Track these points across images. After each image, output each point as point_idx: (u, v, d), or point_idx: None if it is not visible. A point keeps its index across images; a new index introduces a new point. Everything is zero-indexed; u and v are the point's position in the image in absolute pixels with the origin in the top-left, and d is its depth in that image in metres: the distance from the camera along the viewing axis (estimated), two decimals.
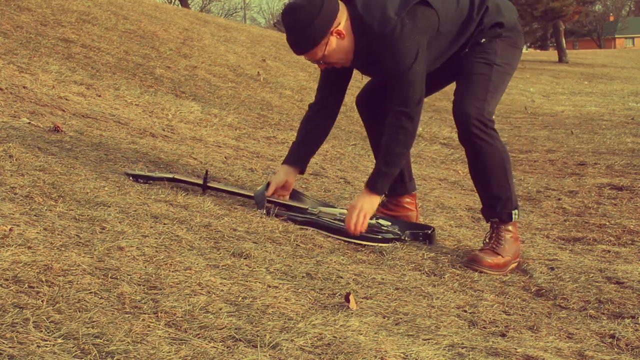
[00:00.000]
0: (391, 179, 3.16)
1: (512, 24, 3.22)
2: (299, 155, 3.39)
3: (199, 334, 1.90)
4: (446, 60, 3.24)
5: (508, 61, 3.23)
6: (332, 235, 3.15)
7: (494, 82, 3.15)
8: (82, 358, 1.65)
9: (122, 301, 2.00)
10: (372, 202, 3.13)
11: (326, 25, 3.01)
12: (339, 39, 3.06)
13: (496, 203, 3.18)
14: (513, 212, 3.18)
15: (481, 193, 3.24)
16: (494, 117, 3.21)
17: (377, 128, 3.50)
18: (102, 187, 3.06)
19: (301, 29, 3.00)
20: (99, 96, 5.42)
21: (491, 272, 3.04)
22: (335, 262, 2.82)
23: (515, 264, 3.18)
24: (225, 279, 2.35)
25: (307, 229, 3.14)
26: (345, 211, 3.30)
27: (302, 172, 3.42)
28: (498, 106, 3.25)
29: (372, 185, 3.13)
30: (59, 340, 1.69)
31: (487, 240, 3.18)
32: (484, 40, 3.17)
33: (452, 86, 3.35)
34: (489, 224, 3.26)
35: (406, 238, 3.29)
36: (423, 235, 3.34)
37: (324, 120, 3.41)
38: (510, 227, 3.19)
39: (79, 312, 1.86)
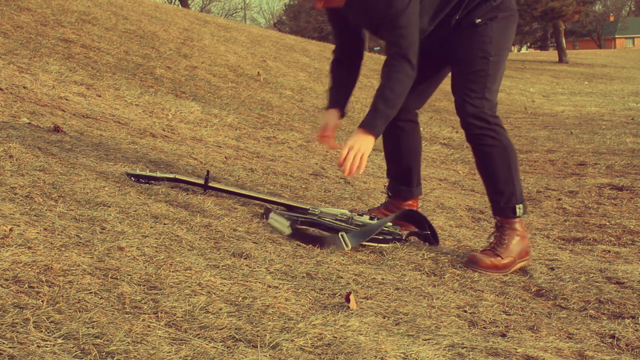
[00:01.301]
0: (389, 120, 3.09)
1: None
2: (337, 99, 3.40)
3: (199, 334, 1.90)
4: (438, 30, 3.21)
5: (504, 46, 3.20)
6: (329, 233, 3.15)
7: (492, 76, 3.14)
8: (82, 358, 1.65)
9: (122, 301, 2.00)
10: (368, 142, 3.02)
11: None
12: None
13: (499, 198, 3.16)
14: (517, 206, 3.15)
15: (487, 190, 3.23)
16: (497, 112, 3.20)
17: (393, 131, 3.45)
18: (102, 187, 3.06)
19: None
20: (99, 96, 5.42)
21: (489, 272, 3.03)
22: (335, 262, 2.82)
23: (524, 262, 3.14)
24: (225, 279, 2.35)
25: (307, 229, 3.14)
26: (345, 211, 3.30)
27: (342, 114, 3.38)
28: (498, 106, 3.24)
29: (370, 125, 3.04)
30: (59, 340, 1.69)
31: (491, 240, 3.17)
32: (479, 20, 3.13)
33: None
34: (493, 224, 3.25)
35: (407, 238, 3.29)
36: (424, 235, 3.34)
37: (349, 68, 3.43)
38: (516, 226, 3.15)
39: (79, 312, 1.86)
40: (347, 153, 2.99)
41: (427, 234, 3.34)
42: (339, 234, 3.04)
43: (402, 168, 3.53)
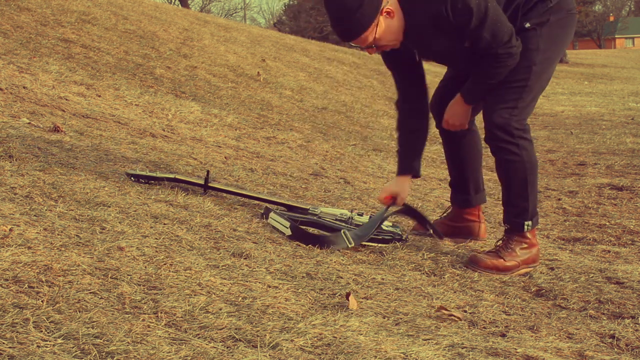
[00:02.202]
0: (485, 92, 3.08)
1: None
2: (408, 163, 3.26)
3: (199, 334, 1.90)
4: None
5: (552, 54, 3.07)
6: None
7: (530, 87, 3.03)
8: (82, 358, 1.65)
9: (122, 301, 2.00)
10: (468, 111, 3.19)
11: (375, 6, 2.86)
12: (388, 19, 2.91)
13: (511, 210, 3.13)
14: (526, 223, 3.09)
15: (502, 197, 3.19)
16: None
17: (448, 139, 3.42)
18: (102, 187, 3.06)
19: (350, 15, 2.83)
20: (99, 96, 5.42)
21: (488, 273, 3.01)
22: (335, 262, 2.82)
23: (529, 269, 3.10)
24: (225, 279, 2.35)
25: (308, 229, 3.14)
26: (345, 211, 3.30)
27: (416, 176, 3.26)
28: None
29: (468, 97, 3.15)
30: (59, 340, 1.69)
31: (499, 243, 3.15)
32: (528, 25, 2.99)
33: None
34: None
35: (406, 238, 3.29)
36: (428, 228, 3.34)
37: (418, 118, 3.29)
38: (527, 234, 3.11)
39: (79, 312, 1.86)
40: (451, 111, 3.24)
41: (433, 227, 3.33)
42: (342, 231, 3.04)
43: (457, 175, 3.46)
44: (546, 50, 3.04)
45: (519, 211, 3.11)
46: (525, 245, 3.10)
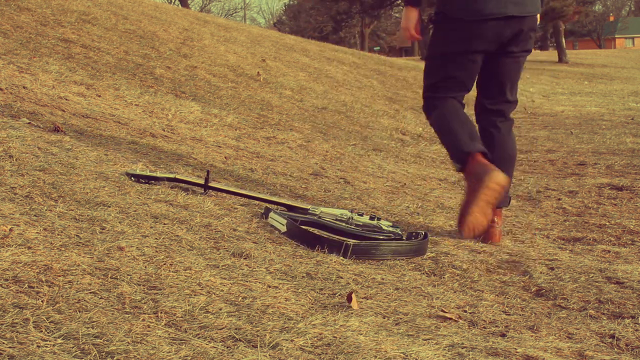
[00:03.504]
0: None
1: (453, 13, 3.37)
2: None
3: (199, 334, 1.90)
4: None
5: (438, 48, 3.45)
6: (333, 235, 3.15)
7: (426, 74, 3.51)
8: (82, 358, 1.65)
9: (122, 301, 2.00)
10: (407, 15, 3.47)
11: None
12: None
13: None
14: (455, 165, 3.49)
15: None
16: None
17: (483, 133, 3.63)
18: (102, 187, 3.06)
19: None
20: (99, 96, 5.42)
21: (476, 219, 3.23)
22: (335, 262, 2.82)
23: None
24: (225, 279, 2.35)
25: (307, 229, 3.14)
26: (345, 211, 3.30)
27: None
28: None
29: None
30: (59, 340, 1.69)
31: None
32: (424, 18, 3.42)
33: None
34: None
35: (405, 239, 3.28)
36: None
37: None
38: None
39: (79, 312, 1.86)
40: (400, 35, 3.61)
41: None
42: (345, 243, 2.96)
43: None
44: (433, 45, 3.49)
45: (450, 155, 3.50)
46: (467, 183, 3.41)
